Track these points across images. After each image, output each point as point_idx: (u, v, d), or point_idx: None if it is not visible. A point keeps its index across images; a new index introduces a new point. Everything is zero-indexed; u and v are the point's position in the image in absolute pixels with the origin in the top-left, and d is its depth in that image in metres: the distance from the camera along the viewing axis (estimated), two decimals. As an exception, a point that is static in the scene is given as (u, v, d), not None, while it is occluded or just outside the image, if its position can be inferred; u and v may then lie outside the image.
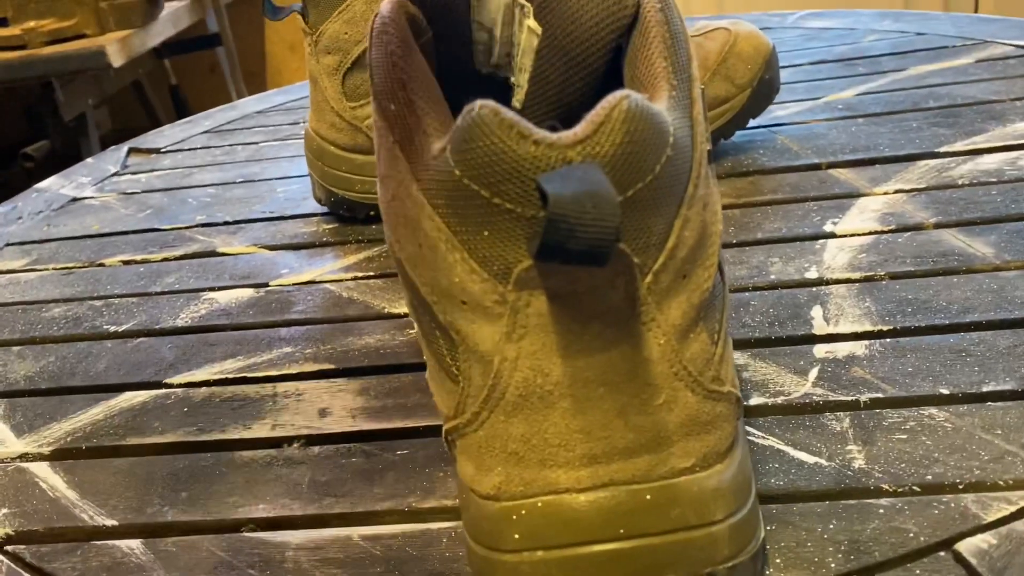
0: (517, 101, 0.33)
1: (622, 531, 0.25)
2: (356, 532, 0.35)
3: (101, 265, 0.61)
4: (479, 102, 0.23)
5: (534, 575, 0.25)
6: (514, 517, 0.26)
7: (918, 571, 0.29)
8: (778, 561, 0.30)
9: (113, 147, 0.87)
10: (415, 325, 0.29)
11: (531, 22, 0.31)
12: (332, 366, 0.46)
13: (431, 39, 0.32)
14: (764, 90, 0.62)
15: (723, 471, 0.26)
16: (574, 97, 0.31)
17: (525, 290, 0.24)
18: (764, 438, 0.36)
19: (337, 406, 0.42)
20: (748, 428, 0.36)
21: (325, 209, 0.63)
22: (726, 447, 0.27)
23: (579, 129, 0.23)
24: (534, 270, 0.24)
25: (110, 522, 0.37)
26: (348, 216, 0.61)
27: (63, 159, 1.55)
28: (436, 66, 0.33)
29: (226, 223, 0.65)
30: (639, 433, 0.25)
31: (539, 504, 0.25)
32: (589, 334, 0.24)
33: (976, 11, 1.67)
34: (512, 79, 0.33)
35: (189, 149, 0.83)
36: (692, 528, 0.25)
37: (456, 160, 0.24)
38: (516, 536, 0.26)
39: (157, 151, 0.84)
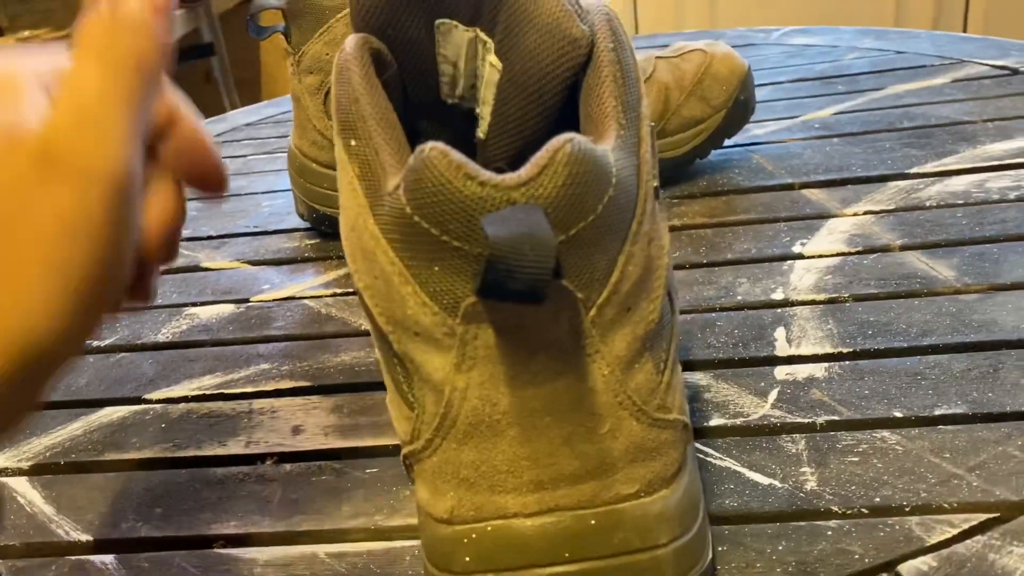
0: (481, 132, 0.34)
1: (567, 555, 0.26)
2: (323, 549, 0.35)
3: (86, 279, 0.62)
4: (430, 144, 0.24)
5: None
6: (465, 540, 0.27)
7: (860, 592, 0.30)
8: (727, 581, 0.31)
9: (103, 159, 0.88)
10: (376, 351, 0.30)
11: (492, 58, 0.32)
12: (308, 383, 0.47)
13: (396, 73, 0.33)
14: (739, 111, 0.63)
15: (668, 496, 0.27)
16: (533, 130, 0.32)
17: (473, 323, 0.25)
18: (721, 459, 0.37)
19: (310, 423, 0.43)
20: (706, 449, 0.37)
21: (308, 224, 0.64)
22: (672, 472, 0.28)
23: (523, 171, 0.24)
24: (481, 304, 0.25)
25: (85, 537, 0.38)
26: (330, 232, 0.62)
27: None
28: (404, 95, 0.34)
29: (210, 237, 0.66)
30: (584, 460, 0.26)
31: (489, 528, 0.26)
32: (535, 365, 0.25)
33: (965, 29, 1.69)
34: (477, 110, 0.34)
35: (177, 162, 0.84)
36: (636, 552, 0.26)
37: (408, 198, 0.25)
38: (467, 559, 0.27)
39: (146, 164, 0.85)
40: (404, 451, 0.29)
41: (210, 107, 1.74)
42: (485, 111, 0.33)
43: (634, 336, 0.27)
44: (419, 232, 0.25)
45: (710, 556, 0.29)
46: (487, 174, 0.24)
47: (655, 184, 0.28)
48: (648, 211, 0.27)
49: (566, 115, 0.32)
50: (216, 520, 0.38)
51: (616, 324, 0.26)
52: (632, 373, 0.27)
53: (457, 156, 0.24)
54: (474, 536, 0.27)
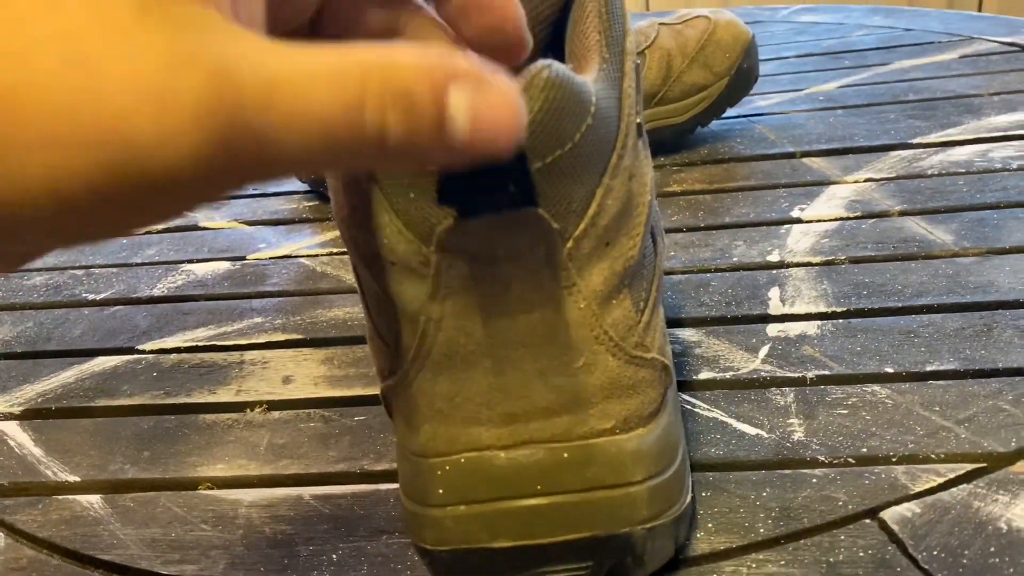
0: None
1: (539, 487, 0.26)
2: (308, 492, 0.35)
3: (85, 237, 0.62)
4: None
5: (457, 529, 0.26)
6: (439, 473, 0.26)
7: (843, 537, 0.30)
8: (709, 525, 0.31)
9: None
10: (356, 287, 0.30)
11: None
12: (300, 336, 0.47)
13: None
14: (742, 79, 0.63)
15: (645, 435, 0.27)
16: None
17: (447, 253, 0.25)
18: (709, 410, 0.37)
19: (301, 374, 0.43)
20: (693, 400, 0.37)
21: (306, 187, 0.64)
22: (649, 412, 0.27)
23: None
24: (456, 232, 0.24)
25: (73, 478, 0.38)
26: (328, 194, 0.62)
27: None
28: None
29: (210, 199, 0.66)
30: (559, 394, 0.26)
31: (462, 460, 0.26)
32: (510, 296, 0.25)
33: (980, 9, 1.67)
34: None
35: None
36: (609, 487, 0.26)
37: None
38: (440, 491, 0.26)
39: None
40: (381, 387, 0.29)
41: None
42: None
43: (612, 271, 0.27)
44: None
45: (688, 500, 0.29)
46: None
47: (638, 120, 0.28)
48: (629, 146, 0.27)
49: (550, 56, 0.32)
50: (203, 464, 0.38)
51: (594, 258, 0.26)
52: (609, 308, 0.27)
53: None
54: (447, 468, 0.26)
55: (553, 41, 0.31)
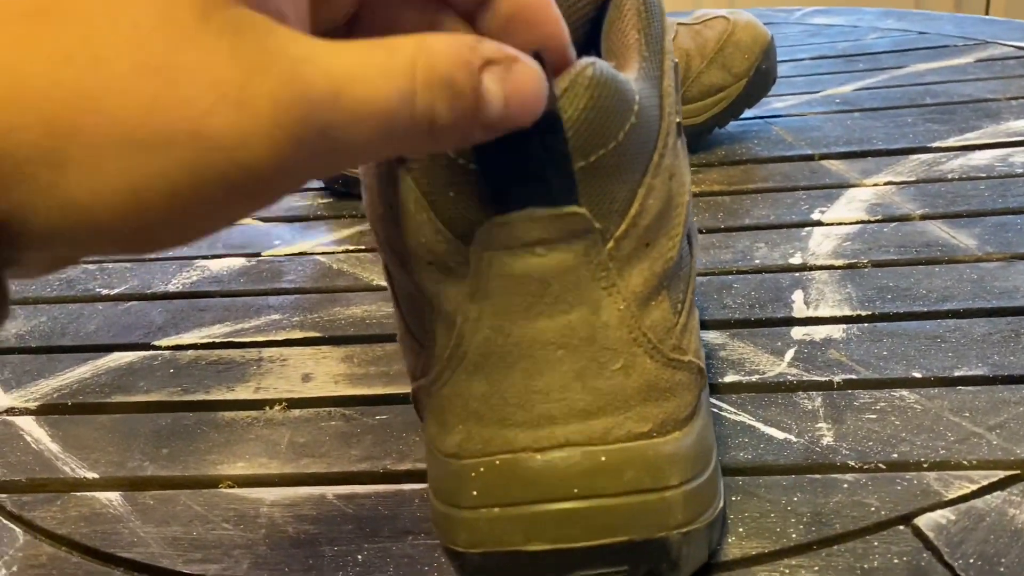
0: None
1: (576, 491, 0.25)
2: (331, 491, 0.35)
3: (97, 231, 0.62)
4: None
5: (491, 531, 0.26)
6: (472, 475, 0.26)
7: (876, 543, 0.29)
8: (741, 530, 0.31)
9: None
10: (387, 287, 0.30)
11: None
12: (318, 334, 0.46)
13: None
14: (760, 80, 0.62)
15: (681, 439, 0.27)
16: None
17: (487, 251, 0.24)
18: (736, 414, 0.36)
19: (320, 372, 0.43)
20: (721, 404, 0.37)
21: (321, 184, 0.64)
22: (685, 415, 0.27)
23: None
24: (496, 232, 0.24)
25: (91, 475, 0.38)
26: (343, 191, 0.62)
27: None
28: None
29: (223, 195, 0.65)
30: (596, 396, 0.25)
31: (497, 462, 0.26)
32: (549, 296, 0.25)
33: (987, 13, 1.67)
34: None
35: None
36: (646, 491, 0.25)
37: None
38: (474, 493, 0.26)
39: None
40: (413, 387, 0.29)
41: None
42: None
43: (652, 272, 0.26)
44: (435, 155, 0.24)
45: (721, 504, 0.29)
46: None
47: (677, 120, 0.28)
48: (670, 145, 0.27)
49: (587, 53, 0.31)
50: (223, 462, 0.37)
51: (634, 259, 0.26)
52: (648, 310, 0.26)
53: None
54: (482, 470, 0.26)
55: (588, 40, 0.30)
